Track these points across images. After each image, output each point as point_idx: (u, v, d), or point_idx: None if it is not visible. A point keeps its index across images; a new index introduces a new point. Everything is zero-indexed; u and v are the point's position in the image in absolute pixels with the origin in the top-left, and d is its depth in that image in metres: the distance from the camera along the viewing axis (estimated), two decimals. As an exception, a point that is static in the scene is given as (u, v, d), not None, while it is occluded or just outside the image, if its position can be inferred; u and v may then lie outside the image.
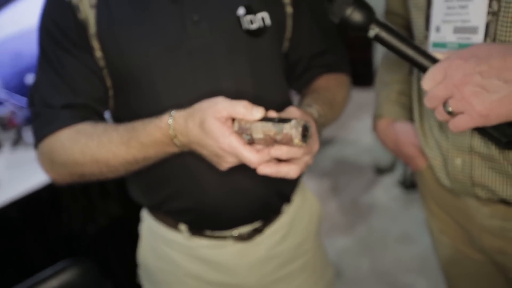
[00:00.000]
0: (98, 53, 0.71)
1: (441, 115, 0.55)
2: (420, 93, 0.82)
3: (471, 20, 0.64)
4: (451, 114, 0.54)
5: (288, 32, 0.80)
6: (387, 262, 1.89)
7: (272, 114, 0.59)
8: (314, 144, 0.62)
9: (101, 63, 0.72)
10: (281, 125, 0.54)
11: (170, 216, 0.82)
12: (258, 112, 0.56)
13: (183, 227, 0.82)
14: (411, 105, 0.90)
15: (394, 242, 2.00)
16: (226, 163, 0.61)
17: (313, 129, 0.61)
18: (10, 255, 1.27)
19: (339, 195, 2.38)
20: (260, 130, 0.56)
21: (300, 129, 0.53)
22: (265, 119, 0.57)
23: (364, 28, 0.58)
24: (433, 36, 0.69)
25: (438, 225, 0.89)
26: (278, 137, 0.55)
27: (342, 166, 2.63)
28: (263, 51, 0.75)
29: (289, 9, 0.78)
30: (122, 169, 0.69)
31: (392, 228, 2.09)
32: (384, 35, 0.58)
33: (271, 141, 0.56)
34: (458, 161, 0.73)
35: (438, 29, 0.68)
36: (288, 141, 0.54)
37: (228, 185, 0.76)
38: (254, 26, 0.73)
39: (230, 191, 0.77)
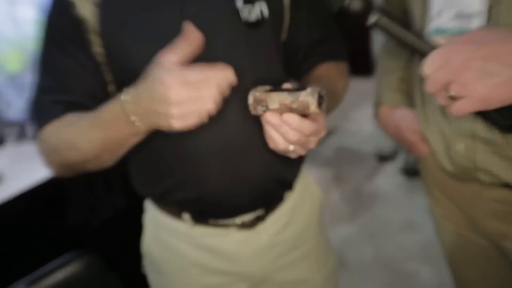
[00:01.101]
0: (98, 49, 0.70)
1: (442, 99, 0.54)
2: (422, 79, 0.81)
3: (472, 4, 0.63)
4: (452, 98, 0.53)
5: (286, 23, 0.78)
6: (390, 250, 1.90)
7: (288, 85, 0.59)
8: (321, 128, 0.62)
9: (100, 58, 0.71)
10: (296, 93, 0.55)
11: (173, 205, 0.82)
12: (197, 37, 0.55)
13: (186, 216, 0.81)
14: (412, 91, 0.89)
15: (397, 230, 2.00)
16: (179, 107, 0.54)
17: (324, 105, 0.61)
18: (16, 249, 1.27)
19: (341, 184, 2.38)
20: (276, 100, 0.56)
21: (316, 95, 0.54)
22: (279, 89, 0.57)
23: (363, 16, 0.57)
24: (434, 22, 0.68)
25: (441, 211, 0.88)
26: (294, 105, 0.55)
27: (344, 155, 2.63)
28: (262, 43, 0.74)
29: (286, 0, 0.77)
30: (91, 155, 0.67)
31: (395, 216, 2.08)
32: (384, 22, 0.57)
33: (287, 111, 0.56)
34: (461, 146, 0.72)
35: (438, 14, 0.67)
36: (304, 109, 0.55)
37: (229, 174, 0.75)
38: (253, 18, 0.71)
39: (232, 179, 0.76)
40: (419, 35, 0.57)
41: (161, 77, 0.55)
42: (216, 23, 0.70)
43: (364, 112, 2.97)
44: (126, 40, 0.69)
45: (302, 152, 0.63)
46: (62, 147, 0.69)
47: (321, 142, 0.66)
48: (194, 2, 0.69)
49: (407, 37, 0.57)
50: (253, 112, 0.61)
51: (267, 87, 0.60)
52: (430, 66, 0.53)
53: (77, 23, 0.69)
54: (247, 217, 0.82)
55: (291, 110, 0.56)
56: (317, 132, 0.61)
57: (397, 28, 0.58)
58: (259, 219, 0.83)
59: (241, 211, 0.81)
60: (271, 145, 0.63)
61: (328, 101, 0.71)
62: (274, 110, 0.57)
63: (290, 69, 0.84)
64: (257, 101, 0.58)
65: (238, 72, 0.69)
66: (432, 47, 0.56)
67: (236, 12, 0.70)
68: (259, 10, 0.72)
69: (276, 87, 0.60)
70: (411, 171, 2.32)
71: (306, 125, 0.58)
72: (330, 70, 0.82)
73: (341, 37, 0.87)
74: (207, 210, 0.80)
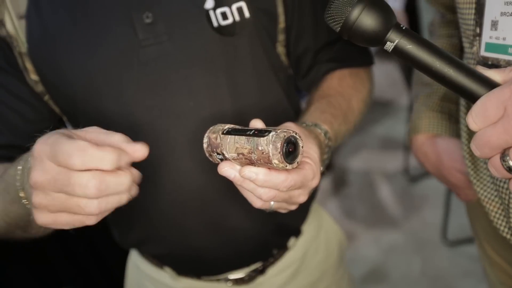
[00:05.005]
0: (34, 76, 0.62)
1: (496, 170, 0.40)
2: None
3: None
4: None
5: (282, 22, 0.69)
6: (442, 264, 1.80)
7: (258, 124, 0.49)
8: (308, 178, 0.48)
9: (39, 88, 0.63)
10: (255, 139, 0.44)
11: (151, 257, 0.78)
12: (140, 149, 0.41)
13: (167, 269, 0.77)
14: (458, 114, 0.72)
15: (453, 240, 1.88)
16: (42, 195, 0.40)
17: (314, 152, 0.51)
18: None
19: (390, 180, 2.28)
20: (233, 147, 0.46)
21: (279, 144, 0.43)
22: (240, 131, 0.46)
23: (379, 38, 0.45)
24: (487, 35, 0.52)
25: (498, 275, 0.75)
26: (254, 156, 0.45)
27: (393, 146, 2.51)
28: (242, 52, 0.65)
29: None
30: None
31: (451, 223, 1.95)
32: (410, 48, 0.44)
33: (247, 162, 0.46)
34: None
35: (494, 25, 0.51)
36: (265, 161, 0.44)
37: (211, 227, 0.69)
38: (228, 21, 0.63)
39: (214, 234, 0.70)
40: (463, 66, 0.44)
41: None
42: (179, 32, 0.61)
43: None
44: (59, 60, 0.61)
45: (290, 208, 0.52)
46: None
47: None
48: (145, 8, 0.60)
49: (445, 70, 0.43)
50: (210, 159, 0.51)
51: (228, 126, 0.49)
52: (478, 118, 0.39)
53: (6, 46, 0.61)
54: (240, 273, 0.76)
55: (251, 161, 0.45)
56: (301, 183, 0.47)
57: (428, 57, 0.44)
58: (256, 272, 0.77)
59: (231, 268, 0.75)
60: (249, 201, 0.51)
61: (337, 131, 0.64)
62: (233, 160, 0.47)
63: (296, 79, 0.77)
64: (212, 147, 0.48)
65: (210, 93, 0.64)
66: (485, 86, 0.42)
67: (205, 16, 0.62)
68: (236, 12, 0.63)
69: (242, 126, 0.49)
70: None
71: (280, 180, 0.45)
72: (343, 81, 0.73)
73: None
74: (188, 267, 0.75)
